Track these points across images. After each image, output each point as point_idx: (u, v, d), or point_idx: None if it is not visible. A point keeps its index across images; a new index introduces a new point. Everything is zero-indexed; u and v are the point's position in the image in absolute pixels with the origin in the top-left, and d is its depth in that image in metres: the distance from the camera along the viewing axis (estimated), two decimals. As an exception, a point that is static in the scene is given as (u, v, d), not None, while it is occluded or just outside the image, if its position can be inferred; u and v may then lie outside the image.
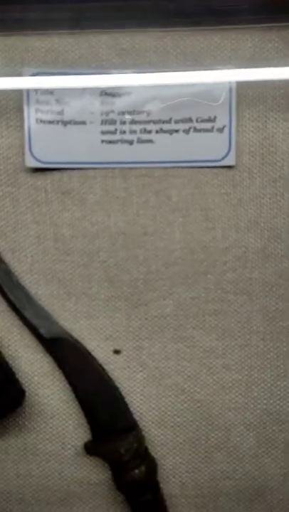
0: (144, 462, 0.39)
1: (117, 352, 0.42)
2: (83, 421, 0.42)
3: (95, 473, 0.42)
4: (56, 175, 0.41)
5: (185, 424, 0.42)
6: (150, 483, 0.39)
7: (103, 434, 0.39)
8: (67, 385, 0.42)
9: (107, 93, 0.40)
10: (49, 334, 0.40)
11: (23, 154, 0.41)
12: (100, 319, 0.42)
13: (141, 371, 0.42)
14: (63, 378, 0.42)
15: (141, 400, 0.42)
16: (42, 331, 0.40)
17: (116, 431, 0.39)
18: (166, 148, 0.40)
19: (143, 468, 0.39)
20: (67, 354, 0.40)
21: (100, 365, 0.41)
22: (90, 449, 0.40)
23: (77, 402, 0.42)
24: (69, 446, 0.42)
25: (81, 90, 0.40)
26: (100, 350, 0.42)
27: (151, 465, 0.40)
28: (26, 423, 0.42)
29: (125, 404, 0.40)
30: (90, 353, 0.40)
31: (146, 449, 0.40)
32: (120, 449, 0.39)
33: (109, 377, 0.41)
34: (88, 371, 0.40)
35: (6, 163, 0.41)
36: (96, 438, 0.40)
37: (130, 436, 0.39)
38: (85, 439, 0.42)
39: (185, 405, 0.42)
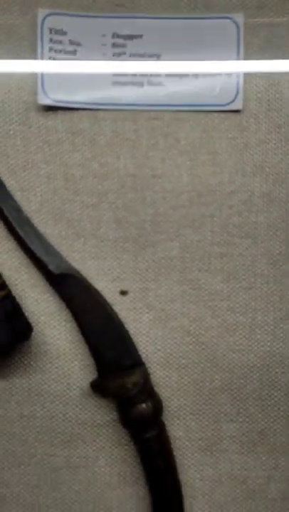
0: (150, 398, 0.38)
1: (123, 293, 0.42)
2: (89, 362, 0.41)
3: (100, 415, 0.41)
4: (67, 115, 0.41)
5: (190, 365, 0.41)
6: (156, 420, 0.39)
7: (110, 370, 0.38)
8: (74, 326, 0.41)
9: (119, 35, 0.41)
10: (58, 270, 0.39)
11: (36, 93, 0.41)
12: (107, 260, 0.41)
13: (147, 313, 0.41)
14: (70, 318, 0.41)
15: (147, 341, 0.41)
16: (51, 267, 0.39)
17: (123, 367, 0.38)
18: (175, 91, 0.41)
19: (150, 403, 0.38)
20: (75, 291, 0.39)
21: (107, 303, 0.40)
22: (97, 386, 0.39)
23: (83, 343, 0.41)
24: (74, 387, 0.41)
25: (95, 31, 0.41)
26: (107, 291, 0.41)
27: (157, 402, 0.39)
28: (31, 363, 0.41)
29: (131, 342, 0.40)
30: (97, 291, 0.40)
31: (152, 387, 0.40)
32: (127, 384, 0.38)
33: (116, 314, 0.40)
34: (96, 308, 0.39)
35: (18, 102, 0.41)
36: (103, 375, 0.39)
37: (137, 371, 0.38)
38: (90, 380, 0.41)
39: (190, 347, 0.41)
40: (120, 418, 0.39)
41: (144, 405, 0.38)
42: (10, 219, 0.39)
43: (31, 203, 0.41)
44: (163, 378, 0.41)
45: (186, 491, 0.41)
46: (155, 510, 0.39)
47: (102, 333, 0.39)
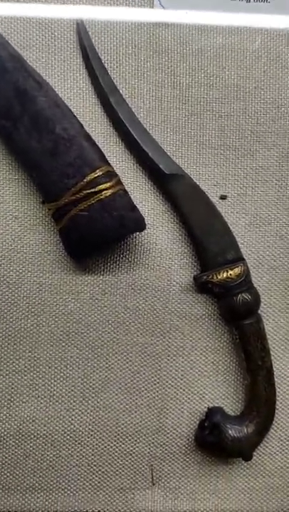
0: (250, 289, 0.41)
1: (223, 198, 0.43)
2: (187, 261, 0.43)
3: (196, 309, 0.43)
4: (177, 26, 0.42)
5: (280, 267, 0.43)
6: (256, 309, 0.41)
7: (215, 264, 0.40)
8: (176, 227, 0.43)
9: None
10: (168, 170, 0.40)
11: (151, 5, 0.42)
12: (208, 166, 0.43)
13: (243, 217, 0.43)
14: (173, 220, 0.43)
15: (242, 243, 0.43)
16: (161, 166, 0.40)
17: (227, 261, 0.40)
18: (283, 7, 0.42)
19: (250, 293, 0.40)
20: (184, 189, 0.41)
21: (212, 202, 0.42)
22: (200, 278, 0.41)
23: (183, 243, 0.43)
24: (174, 283, 0.43)
25: None
26: (208, 195, 0.42)
27: (256, 293, 0.41)
28: (136, 260, 0.42)
29: (234, 238, 0.41)
30: (203, 191, 0.41)
31: (251, 280, 0.42)
32: (232, 275, 0.40)
33: (219, 212, 0.42)
34: (202, 206, 0.41)
35: (131, 12, 0.42)
36: (207, 269, 0.41)
37: (240, 265, 0.40)
38: (189, 278, 0.43)
39: (281, 250, 0.43)
40: (222, 308, 0.42)
41: (245, 294, 0.40)
42: (125, 122, 0.40)
43: (140, 109, 0.42)
44: (255, 278, 0.43)
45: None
46: (252, 390, 0.42)
47: (208, 229, 0.41)
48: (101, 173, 0.37)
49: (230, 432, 0.41)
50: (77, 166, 0.36)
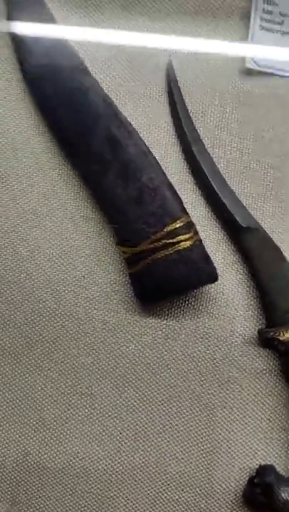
0: None
1: (296, 253, 0.43)
2: (252, 313, 0.43)
3: (257, 363, 0.42)
4: (263, 80, 0.42)
5: None
6: None
7: (283, 321, 0.40)
8: (244, 278, 0.43)
9: None
10: (245, 223, 0.40)
11: (241, 59, 0.42)
12: (285, 219, 0.43)
13: (315, 274, 0.44)
14: (242, 271, 0.42)
15: (310, 301, 0.44)
16: (238, 218, 0.40)
17: (296, 319, 0.41)
18: None
19: None
20: (258, 243, 0.40)
21: (285, 258, 0.41)
22: (266, 333, 0.40)
23: (250, 295, 0.42)
24: (237, 334, 0.42)
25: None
26: (281, 249, 0.41)
27: None
28: (201, 307, 0.42)
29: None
30: (277, 246, 0.41)
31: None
32: (299, 335, 0.40)
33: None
34: (275, 260, 0.40)
35: (225, 64, 0.42)
36: (274, 325, 0.40)
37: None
38: (253, 330, 0.42)
39: None
40: (284, 365, 0.41)
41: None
42: (205, 171, 0.41)
43: (220, 159, 0.42)
44: None
45: None
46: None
47: (278, 284, 0.40)
48: (181, 224, 0.37)
49: (283, 494, 0.40)
50: (158, 216, 0.36)
